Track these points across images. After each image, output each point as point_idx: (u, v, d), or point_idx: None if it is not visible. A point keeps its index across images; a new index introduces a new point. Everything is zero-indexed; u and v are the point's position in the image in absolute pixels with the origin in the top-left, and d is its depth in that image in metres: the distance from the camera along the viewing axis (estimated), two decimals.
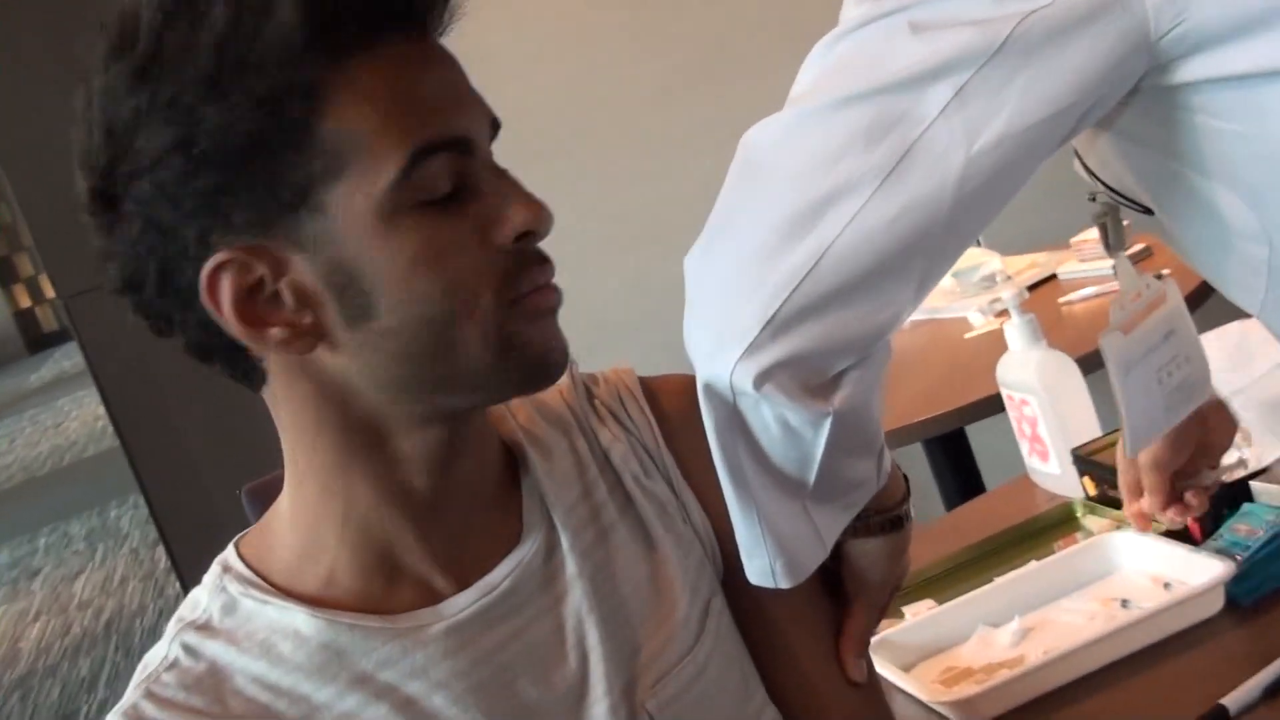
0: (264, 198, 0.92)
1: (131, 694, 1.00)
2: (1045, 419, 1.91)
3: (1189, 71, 1.00)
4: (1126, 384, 1.22)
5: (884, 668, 1.54)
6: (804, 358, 1.00)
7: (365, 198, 0.92)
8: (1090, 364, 2.18)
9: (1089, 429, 1.91)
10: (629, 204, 3.16)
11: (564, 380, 1.16)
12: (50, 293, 12.98)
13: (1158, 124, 1.05)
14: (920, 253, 1.01)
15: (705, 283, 1.04)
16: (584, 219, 3.05)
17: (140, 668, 1.02)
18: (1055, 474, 1.93)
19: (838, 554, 1.16)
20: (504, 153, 3.09)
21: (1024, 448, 1.99)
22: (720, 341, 1.01)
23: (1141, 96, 1.04)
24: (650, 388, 1.17)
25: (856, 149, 0.99)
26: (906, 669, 1.56)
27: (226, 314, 0.94)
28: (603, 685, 1.04)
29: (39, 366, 13.95)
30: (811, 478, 1.05)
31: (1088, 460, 1.84)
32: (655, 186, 3.19)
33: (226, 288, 0.94)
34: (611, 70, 3.13)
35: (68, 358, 13.14)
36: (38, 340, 14.80)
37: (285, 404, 1.00)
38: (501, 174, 0.98)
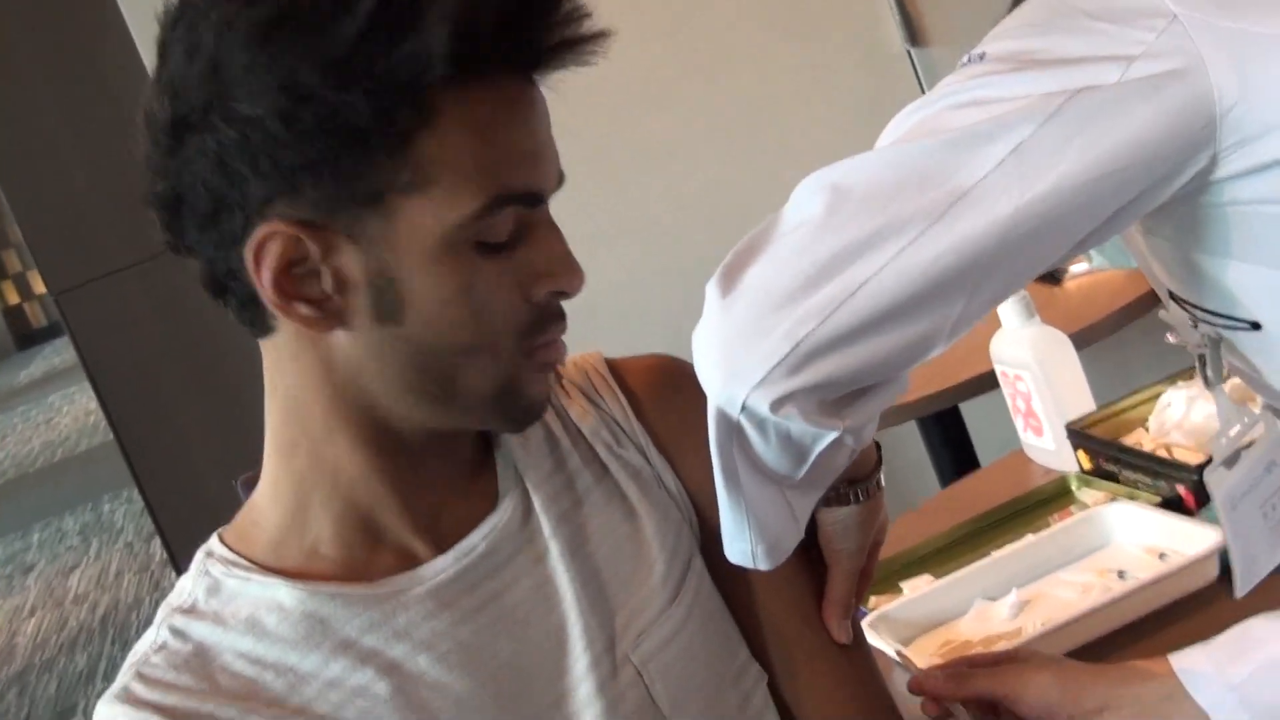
0: (341, 186, 0.94)
1: (122, 677, 1.03)
2: (1039, 394, 1.93)
3: (1265, 151, 0.99)
4: (1234, 520, 1.18)
5: (883, 642, 1.55)
6: (822, 386, 1.01)
7: (435, 222, 0.95)
8: (1082, 340, 2.20)
9: (1083, 403, 1.93)
10: (621, 197, 3.16)
11: None
12: (39, 289, 12.97)
13: (1237, 226, 1.04)
14: (958, 295, 1.01)
15: (729, 308, 1.02)
16: (576, 213, 3.04)
17: (131, 654, 1.05)
18: (1050, 449, 1.95)
19: (812, 524, 1.18)
20: None
21: (1019, 423, 2.00)
22: (736, 370, 1.01)
23: (1225, 191, 1.03)
24: (616, 367, 1.21)
25: (909, 194, 0.99)
26: (905, 644, 1.58)
27: (264, 279, 0.96)
28: (583, 642, 1.07)
29: (29, 363, 13.91)
30: (801, 475, 1.07)
31: (1082, 434, 1.86)
32: (647, 179, 3.19)
33: (273, 254, 0.95)
34: (602, 65, 3.13)
35: (57, 354, 13.11)
36: (27, 337, 14.75)
37: (287, 365, 1.03)
38: (553, 229, 1.01)
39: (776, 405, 0.99)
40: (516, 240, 0.99)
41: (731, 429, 1.03)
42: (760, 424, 1.02)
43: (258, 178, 0.93)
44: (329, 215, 0.95)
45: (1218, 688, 1.08)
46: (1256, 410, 1.21)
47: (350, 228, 0.95)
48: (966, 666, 1.24)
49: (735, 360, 1.01)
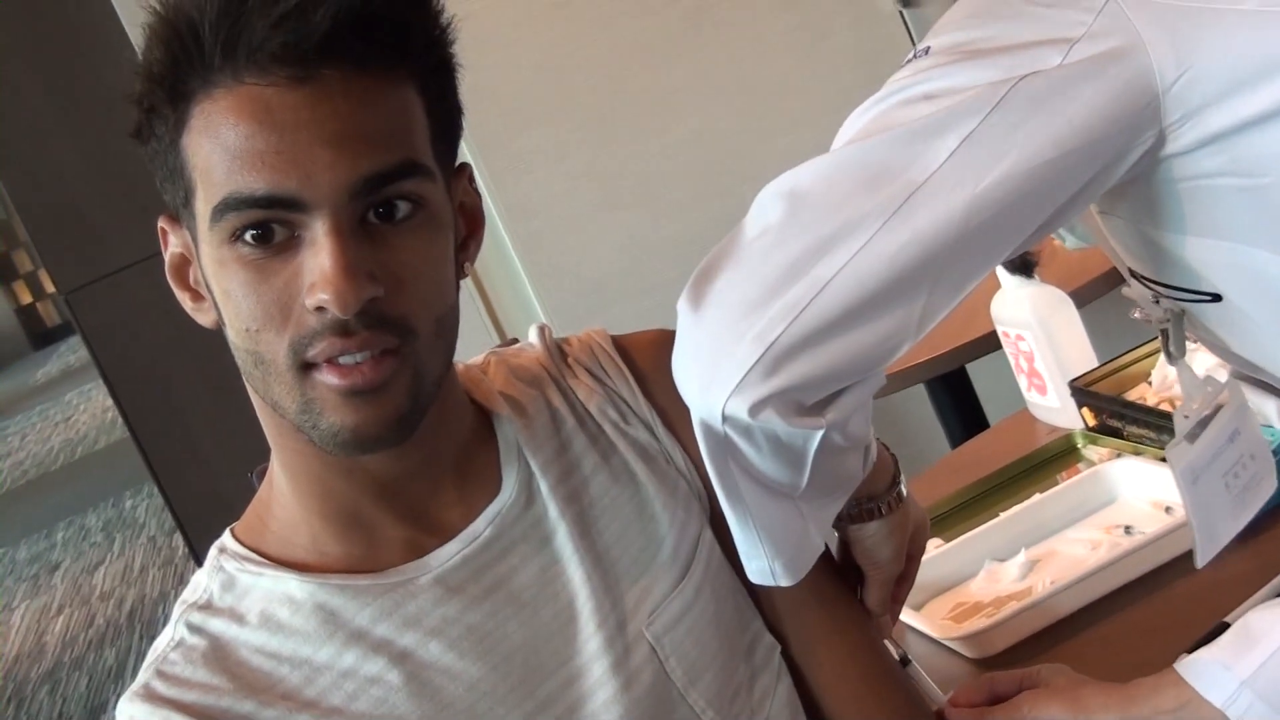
0: (174, 191, 1.00)
1: (143, 675, 1.05)
2: (1041, 353, 1.93)
3: (1209, 124, 0.99)
4: (1195, 494, 1.19)
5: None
6: (798, 388, 1.01)
7: (203, 224, 0.97)
8: (1083, 298, 2.20)
9: (1085, 360, 1.94)
10: (619, 165, 3.16)
11: (538, 345, 1.21)
12: (51, 288, 12.98)
13: (1191, 201, 1.04)
14: (922, 286, 1.02)
15: (700, 321, 1.04)
16: (574, 182, 3.06)
17: (151, 651, 1.07)
18: (1054, 407, 1.95)
19: (844, 538, 1.21)
20: (491, 121, 3.08)
21: (1022, 382, 2.01)
22: (712, 378, 1.02)
23: (1175, 168, 1.03)
24: (622, 344, 1.22)
25: (865, 191, 1.00)
26: (917, 607, 1.59)
27: (166, 266, 1.04)
28: (594, 621, 1.08)
29: (45, 362, 13.93)
30: (803, 482, 1.07)
31: (1086, 391, 1.86)
32: (644, 147, 3.19)
33: (168, 244, 1.05)
34: (596, 31, 3.13)
35: (72, 352, 13.11)
36: (41, 336, 14.77)
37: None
38: (330, 239, 0.94)
39: (755, 410, 1.00)
40: (287, 246, 0.96)
41: (720, 443, 1.04)
42: (746, 431, 1.03)
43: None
44: (177, 213, 1.01)
45: (1230, 685, 1.08)
46: (1222, 379, 1.21)
47: (190, 226, 1.00)
48: (990, 697, 1.23)
49: (710, 370, 1.02)
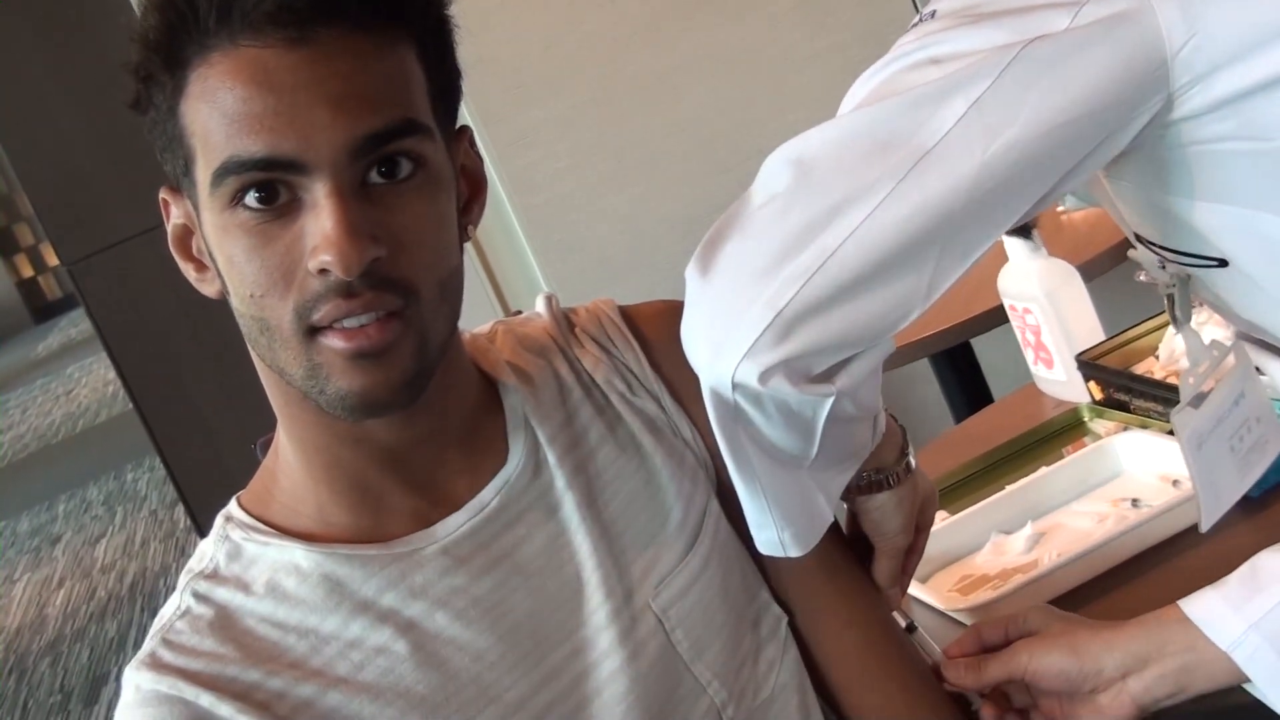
0: (174, 160, 0.99)
1: (149, 644, 1.05)
2: (1048, 326, 1.93)
3: (1218, 88, 0.99)
4: (1199, 459, 1.18)
5: None
6: (808, 354, 1.01)
7: (203, 189, 0.97)
8: (1091, 271, 2.19)
9: (1092, 334, 1.93)
10: (623, 140, 3.15)
11: (545, 314, 1.21)
12: (52, 261, 12.97)
13: (1199, 166, 1.03)
14: (931, 252, 1.01)
15: (709, 287, 1.04)
16: (579, 156, 3.05)
17: (156, 620, 1.07)
18: (1061, 380, 1.95)
19: (852, 510, 1.21)
20: (495, 95, 3.07)
21: (1029, 356, 2.00)
22: (722, 345, 1.02)
23: (1184, 133, 1.02)
24: (629, 314, 1.21)
25: (873, 157, 1.00)
26: (923, 579, 1.59)
27: (169, 237, 1.03)
28: (601, 592, 1.08)
29: (46, 335, 13.92)
30: (813, 452, 1.07)
31: (1092, 365, 1.86)
32: (649, 122, 3.18)
33: (170, 216, 1.03)
34: (601, 5, 3.11)
35: (74, 325, 13.12)
36: (42, 309, 14.77)
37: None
38: (331, 200, 0.94)
39: (765, 376, 1.00)
40: (289, 209, 0.95)
41: (730, 411, 1.04)
42: (756, 399, 1.02)
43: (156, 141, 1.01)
44: (178, 182, 1.01)
45: (1237, 628, 1.07)
46: (1227, 342, 1.21)
47: (191, 195, 0.99)
48: (980, 647, 1.22)
49: (720, 335, 1.02)
